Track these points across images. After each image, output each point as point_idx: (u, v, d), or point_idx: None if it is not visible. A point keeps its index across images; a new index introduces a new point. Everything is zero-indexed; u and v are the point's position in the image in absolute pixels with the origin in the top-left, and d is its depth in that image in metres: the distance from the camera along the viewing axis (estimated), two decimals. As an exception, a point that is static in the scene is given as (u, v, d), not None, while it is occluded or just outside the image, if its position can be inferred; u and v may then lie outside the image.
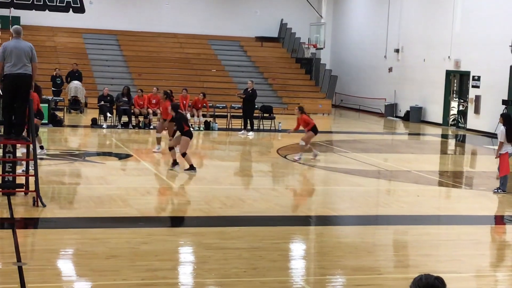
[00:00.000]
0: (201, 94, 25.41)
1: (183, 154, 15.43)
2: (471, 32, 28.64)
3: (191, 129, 16.34)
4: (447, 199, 14.99)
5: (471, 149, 24.57)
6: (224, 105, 26.97)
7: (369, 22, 36.95)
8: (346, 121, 32.69)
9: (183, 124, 15.71)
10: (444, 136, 27.61)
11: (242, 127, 24.00)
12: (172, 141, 16.30)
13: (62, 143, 19.82)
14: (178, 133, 16.41)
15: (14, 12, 33.39)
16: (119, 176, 15.52)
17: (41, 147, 16.71)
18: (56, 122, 23.50)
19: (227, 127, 25.38)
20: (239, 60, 36.99)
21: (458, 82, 30.44)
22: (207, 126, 24.85)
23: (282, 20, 38.99)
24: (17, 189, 12.17)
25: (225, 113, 26.40)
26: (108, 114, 24.52)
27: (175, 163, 15.70)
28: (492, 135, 25.06)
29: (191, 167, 15.45)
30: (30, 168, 12.30)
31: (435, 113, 31.22)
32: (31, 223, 10.98)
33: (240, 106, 25.33)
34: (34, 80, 12.17)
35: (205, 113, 25.02)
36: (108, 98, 25.24)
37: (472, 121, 28.85)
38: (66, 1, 36.34)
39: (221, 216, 11.98)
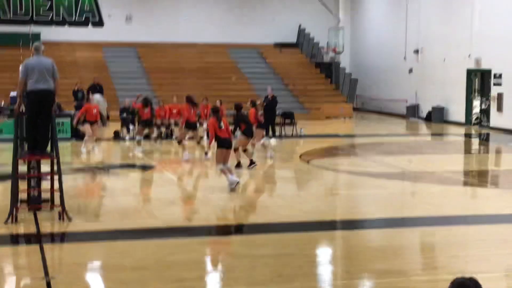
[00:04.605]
0: (218, 101, 25.38)
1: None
2: (490, 29, 28.45)
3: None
4: (473, 198, 14.87)
5: (496, 147, 24.38)
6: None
7: (388, 24, 36.84)
8: (368, 124, 32.57)
9: None
10: (468, 135, 27.42)
11: (264, 134, 23.98)
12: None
13: (86, 156, 19.94)
14: None
15: (34, 29, 33.76)
16: (143, 188, 15.58)
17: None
18: (79, 136, 23.63)
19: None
20: (258, 67, 37.03)
21: (480, 81, 30.24)
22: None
23: (300, 25, 39.00)
24: (43, 204, 12.25)
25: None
26: (131, 126, 24.63)
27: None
28: (516, 133, 24.86)
29: None
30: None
31: (457, 112, 31.02)
32: (58, 237, 11.05)
33: (261, 113, 25.29)
34: (57, 96, 12.25)
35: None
36: (130, 110, 25.36)
37: (495, 119, 28.64)
38: (85, 16, 36.72)
39: (246, 224, 11.98)
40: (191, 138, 19.99)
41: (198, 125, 20.54)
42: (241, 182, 14.75)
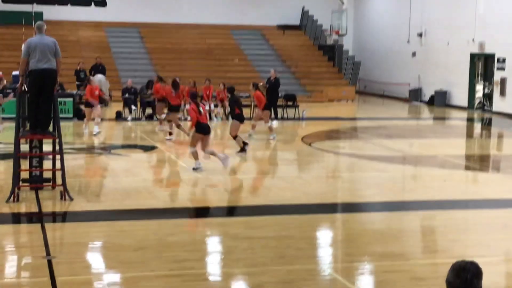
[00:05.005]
0: (221, 85, 25.35)
1: None
2: (495, 14, 28.33)
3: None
4: (474, 183, 14.88)
5: (498, 132, 24.36)
6: (248, 95, 26.92)
7: (391, 6, 36.70)
8: (371, 107, 32.54)
9: None
10: (470, 120, 27.39)
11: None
12: None
13: (88, 136, 19.94)
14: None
15: (36, 8, 33.64)
16: (144, 168, 15.60)
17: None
18: (81, 116, 23.62)
19: (251, 116, 25.35)
20: (261, 49, 36.93)
21: (483, 65, 30.16)
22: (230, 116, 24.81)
23: (303, 7, 38.85)
24: (44, 184, 12.29)
25: (249, 103, 26.38)
26: (133, 107, 24.61)
27: None
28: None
29: None
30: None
31: (460, 96, 30.96)
32: (59, 217, 11.09)
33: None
34: (59, 75, 12.24)
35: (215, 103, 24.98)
36: (132, 90, 25.33)
37: (498, 104, 28.59)
38: (88, -5, 36.60)
39: (247, 205, 12.01)
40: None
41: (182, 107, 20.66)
42: (240, 165, 14.75)
